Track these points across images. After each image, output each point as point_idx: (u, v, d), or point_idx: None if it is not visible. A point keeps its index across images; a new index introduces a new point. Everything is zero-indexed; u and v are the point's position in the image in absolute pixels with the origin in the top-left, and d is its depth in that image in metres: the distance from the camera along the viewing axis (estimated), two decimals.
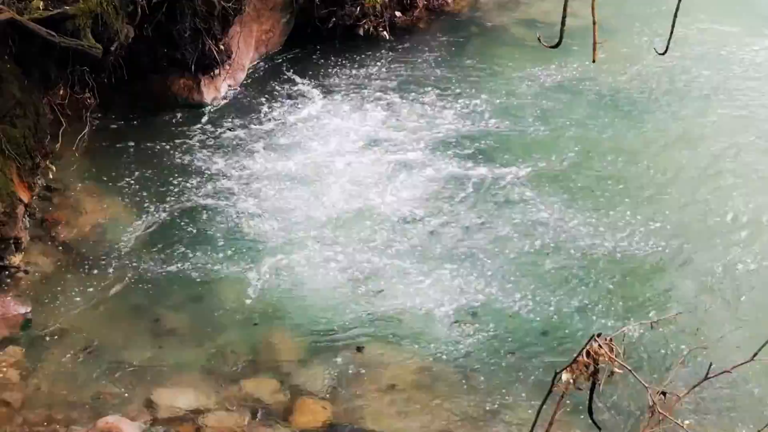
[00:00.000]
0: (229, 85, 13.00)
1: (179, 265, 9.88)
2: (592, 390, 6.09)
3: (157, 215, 10.56)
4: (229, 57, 12.71)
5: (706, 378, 6.08)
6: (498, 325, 9.25)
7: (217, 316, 9.38)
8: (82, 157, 11.21)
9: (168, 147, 11.68)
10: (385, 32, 14.51)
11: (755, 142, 12.19)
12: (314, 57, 13.93)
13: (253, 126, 12.22)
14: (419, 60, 14.02)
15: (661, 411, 5.80)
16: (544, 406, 5.97)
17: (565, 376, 5.77)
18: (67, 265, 9.86)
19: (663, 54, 6.42)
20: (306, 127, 12.24)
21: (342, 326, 9.27)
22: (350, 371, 8.79)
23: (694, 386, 6.23)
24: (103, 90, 11.17)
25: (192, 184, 11.06)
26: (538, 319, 9.32)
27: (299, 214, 10.70)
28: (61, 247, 10.04)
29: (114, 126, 11.95)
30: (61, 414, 8.22)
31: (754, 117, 12.75)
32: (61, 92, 10.74)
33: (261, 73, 13.55)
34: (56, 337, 8.99)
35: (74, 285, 9.59)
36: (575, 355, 5.72)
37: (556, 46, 5.77)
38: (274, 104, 12.73)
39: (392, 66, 13.80)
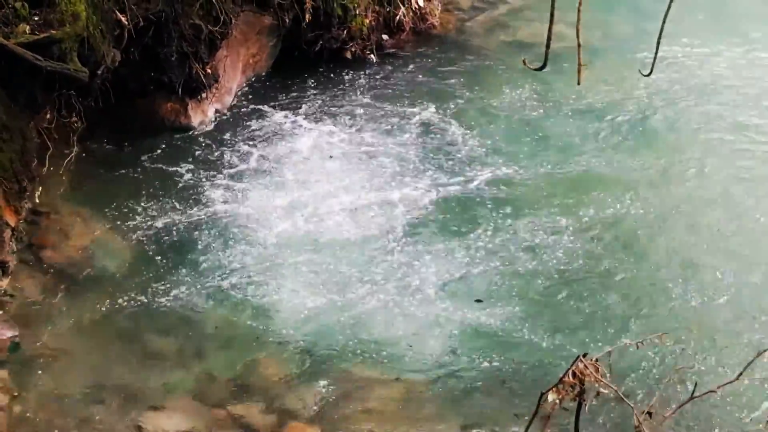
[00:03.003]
0: (217, 109, 13.00)
1: (166, 288, 9.87)
2: (578, 410, 6.12)
3: (144, 239, 10.54)
4: (216, 81, 12.71)
5: (691, 398, 6.12)
6: (485, 348, 9.26)
7: (204, 339, 9.36)
8: (70, 181, 11.19)
9: (155, 171, 11.67)
10: (372, 55, 14.56)
11: (744, 165, 12.23)
12: (301, 80, 13.93)
13: (240, 149, 12.21)
14: (406, 83, 14.03)
15: (646, 431, 5.82)
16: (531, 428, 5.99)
17: (551, 396, 5.80)
18: (54, 288, 9.82)
19: (648, 75, 6.48)
20: (293, 152, 12.23)
21: (329, 349, 9.27)
22: (338, 394, 8.78)
23: (680, 406, 6.27)
24: (90, 114, 11.19)
25: (179, 208, 11.05)
26: (524, 340, 9.34)
27: (286, 238, 10.69)
28: (48, 271, 10.00)
29: (101, 150, 11.92)
30: None
31: (740, 137, 12.80)
32: (48, 116, 10.73)
33: (248, 97, 13.55)
34: (43, 360, 8.95)
35: (62, 309, 9.56)
36: (561, 375, 5.75)
37: (542, 68, 5.82)
38: (262, 128, 12.72)
39: (378, 90, 13.80)
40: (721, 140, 12.71)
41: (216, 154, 12.11)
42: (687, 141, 12.71)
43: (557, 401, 5.80)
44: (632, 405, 5.96)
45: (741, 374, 6.11)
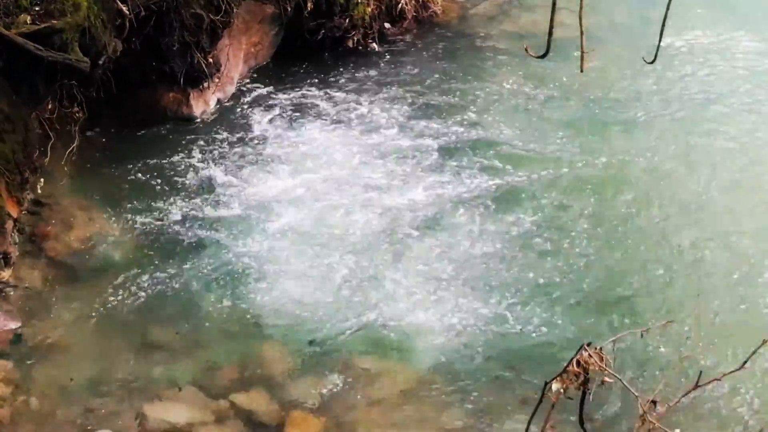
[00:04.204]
0: (219, 98, 12.97)
1: (169, 279, 9.85)
2: (582, 399, 6.09)
3: (146, 229, 10.52)
4: (218, 70, 12.68)
5: (696, 386, 6.08)
6: (489, 338, 9.25)
7: (207, 330, 9.36)
8: (71, 172, 11.17)
9: (157, 161, 11.64)
10: (374, 44, 14.54)
11: (751, 154, 12.19)
12: (303, 69, 13.90)
13: (242, 139, 12.18)
14: (408, 72, 13.98)
15: (651, 420, 5.79)
16: (535, 417, 5.97)
17: (555, 385, 5.77)
18: (56, 279, 9.82)
19: (651, 63, 6.43)
20: (296, 142, 12.20)
21: (333, 339, 9.26)
22: (342, 384, 8.77)
23: (685, 394, 6.23)
24: (91, 104, 11.16)
25: (181, 198, 11.03)
26: (529, 330, 9.32)
27: (290, 228, 10.65)
28: (50, 262, 9.99)
29: (103, 140, 11.90)
30: (50, 430, 8.21)
31: (744, 127, 12.78)
32: (50, 106, 10.72)
33: (250, 86, 13.50)
34: (46, 351, 8.96)
35: (64, 299, 9.56)
36: (565, 364, 5.72)
37: (544, 56, 5.78)
38: (264, 117, 12.69)
39: (380, 78, 13.75)
40: (737, 129, 12.69)
41: (218, 143, 12.08)
42: (700, 131, 12.65)
43: (561, 390, 5.78)
44: (637, 393, 5.92)
45: (746, 363, 6.07)
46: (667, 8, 5.93)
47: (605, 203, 11.12)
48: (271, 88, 13.41)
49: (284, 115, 12.78)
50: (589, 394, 5.91)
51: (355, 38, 14.38)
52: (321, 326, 9.36)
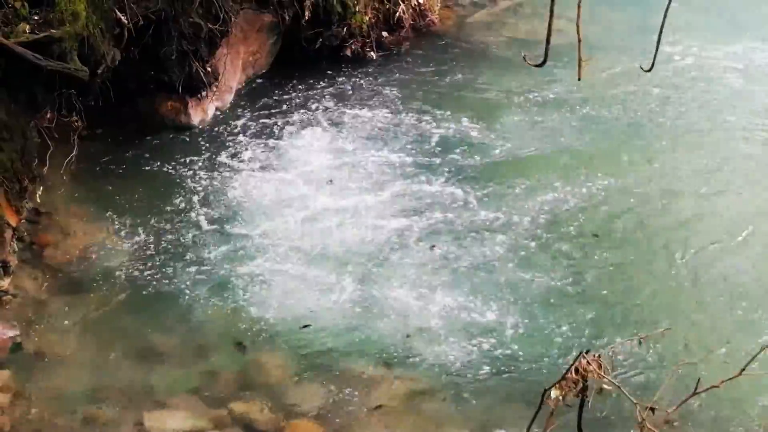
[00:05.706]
0: (217, 107, 12.99)
1: (168, 287, 9.86)
2: (581, 406, 6.12)
3: (145, 238, 10.54)
4: (216, 79, 12.70)
5: (694, 393, 6.11)
6: (488, 344, 9.24)
7: (206, 338, 9.35)
8: (70, 180, 11.19)
9: (156, 170, 11.68)
10: (372, 53, 14.57)
11: (742, 160, 12.23)
12: (301, 78, 13.93)
13: (240, 148, 12.22)
14: (405, 81, 14.02)
15: (649, 427, 5.81)
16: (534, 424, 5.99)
17: (554, 393, 5.80)
18: (55, 288, 9.82)
19: (648, 71, 6.46)
20: (294, 150, 12.23)
21: (332, 346, 9.25)
22: (342, 391, 8.74)
23: (683, 402, 6.25)
24: (90, 113, 11.17)
25: (180, 207, 11.05)
26: (528, 337, 9.31)
27: (290, 237, 10.66)
28: (49, 271, 10.00)
29: (101, 149, 11.93)
30: None
31: (740, 136, 12.81)
32: (48, 115, 10.72)
33: (248, 95, 13.54)
34: (45, 360, 8.95)
35: (63, 308, 9.55)
36: (564, 372, 5.74)
37: (542, 64, 5.80)
38: (262, 126, 12.73)
39: (378, 87, 13.80)
40: (734, 136, 12.74)
41: (216, 152, 12.11)
42: (697, 138, 12.70)
43: (560, 398, 5.80)
44: (635, 401, 5.95)
45: (744, 370, 6.10)
46: (664, 18, 5.96)
47: (608, 212, 11.16)
48: (269, 97, 13.44)
49: (282, 123, 12.81)
50: (588, 401, 5.93)
51: (353, 47, 14.43)
52: (321, 333, 9.35)
